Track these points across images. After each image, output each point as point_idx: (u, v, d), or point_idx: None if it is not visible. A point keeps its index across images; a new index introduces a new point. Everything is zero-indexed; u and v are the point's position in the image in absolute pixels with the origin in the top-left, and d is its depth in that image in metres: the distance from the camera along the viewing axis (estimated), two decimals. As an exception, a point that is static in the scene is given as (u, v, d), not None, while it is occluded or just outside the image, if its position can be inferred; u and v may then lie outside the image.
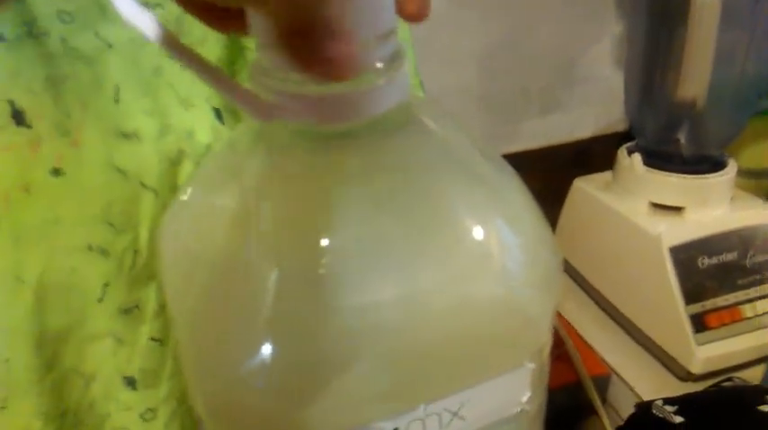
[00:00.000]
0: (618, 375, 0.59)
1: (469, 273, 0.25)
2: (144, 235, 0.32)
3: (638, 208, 0.60)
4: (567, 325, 0.64)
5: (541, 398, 0.32)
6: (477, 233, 0.25)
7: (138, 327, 0.34)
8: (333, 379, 0.23)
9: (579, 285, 0.70)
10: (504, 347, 0.26)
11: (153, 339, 0.34)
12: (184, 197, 0.29)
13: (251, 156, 0.26)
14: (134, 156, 0.31)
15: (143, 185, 0.32)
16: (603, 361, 0.60)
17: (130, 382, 0.34)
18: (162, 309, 0.34)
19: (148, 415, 0.35)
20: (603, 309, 0.66)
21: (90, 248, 0.31)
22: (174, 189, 0.33)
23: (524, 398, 0.27)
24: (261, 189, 0.25)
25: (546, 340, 0.28)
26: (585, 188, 0.66)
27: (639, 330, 0.60)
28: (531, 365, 0.27)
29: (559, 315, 0.65)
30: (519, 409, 0.28)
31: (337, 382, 0.23)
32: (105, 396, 0.34)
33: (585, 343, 0.62)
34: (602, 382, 0.59)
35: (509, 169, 0.29)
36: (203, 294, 0.24)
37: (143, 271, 0.33)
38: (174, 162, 0.33)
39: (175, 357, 0.36)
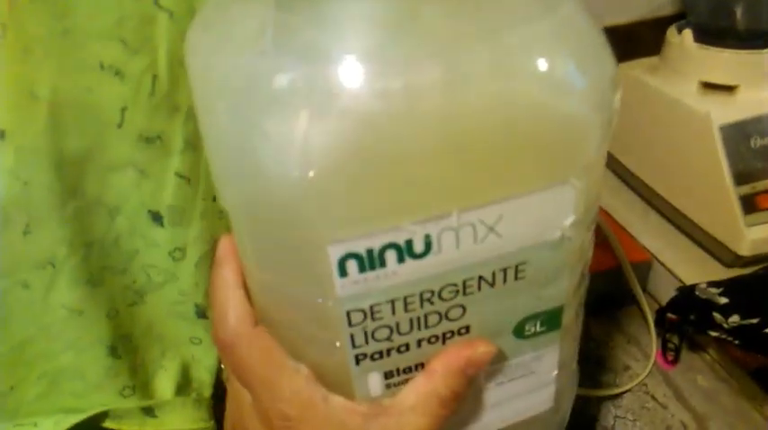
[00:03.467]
0: (659, 261, 0.57)
1: (514, 62, 0.22)
2: (163, 58, 0.31)
3: (687, 88, 0.57)
4: (606, 214, 0.62)
5: (579, 279, 0.30)
6: (526, 22, 0.23)
7: (163, 160, 0.33)
8: (363, 168, 0.21)
9: (618, 175, 0.68)
10: (546, 155, 0.24)
11: (179, 175, 0.33)
12: (210, 10, 0.27)
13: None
14: None
15: (157, 4, 0.30)
16: (644, 248, 0.58)
17: (157, 218, 0.34)
18: (188, 145, 0.33)
19: (177, 254, 0.35)
20: (644, 198, 0.64)
21: (102, 67, 0.30)
22: (191, 11, 0.31)
23: (567, 222, 0.26)
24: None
25: (594, 160, 0.26)
26: (631, 72, 0.63)
27: (684, 215, 0.57)
28: (577, 183, 0.25)
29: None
30: (560, 234, 0.26)
31: (368, 172, 0.21)
32: (131, 231, 0.33)
33: (625, 231, 0.60)
34: (643, 269, 0.57)
35: None
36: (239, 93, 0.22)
37: (165, 100, 0.32)
38: None
39: (206, 197, 0.34)
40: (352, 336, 0.25)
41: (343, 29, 0.22)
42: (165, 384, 0.35)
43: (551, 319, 0.28)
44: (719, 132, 0.52)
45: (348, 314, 0.24)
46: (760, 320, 0.46)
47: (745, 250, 0.52)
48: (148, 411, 0.34)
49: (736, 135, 0.53)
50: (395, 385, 0.27)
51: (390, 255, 0.23)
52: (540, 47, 0.23)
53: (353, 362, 0.26)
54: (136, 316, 0.34)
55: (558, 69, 0.23)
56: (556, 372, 0.31)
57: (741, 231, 0.51)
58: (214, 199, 0.35)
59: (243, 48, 0.23)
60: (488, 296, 0.26)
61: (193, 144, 0.33)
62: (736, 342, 0.46)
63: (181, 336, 0.36)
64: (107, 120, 0.31)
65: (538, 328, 0.28)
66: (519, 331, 0.28)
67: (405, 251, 0.23)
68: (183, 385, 0.36)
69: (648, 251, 0.58)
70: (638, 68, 0.63)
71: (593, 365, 0.53)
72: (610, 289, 0.56)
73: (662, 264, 0.57)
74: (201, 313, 0.36)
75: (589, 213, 0.28)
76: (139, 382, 0.34)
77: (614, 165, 0.68)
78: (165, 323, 0.35)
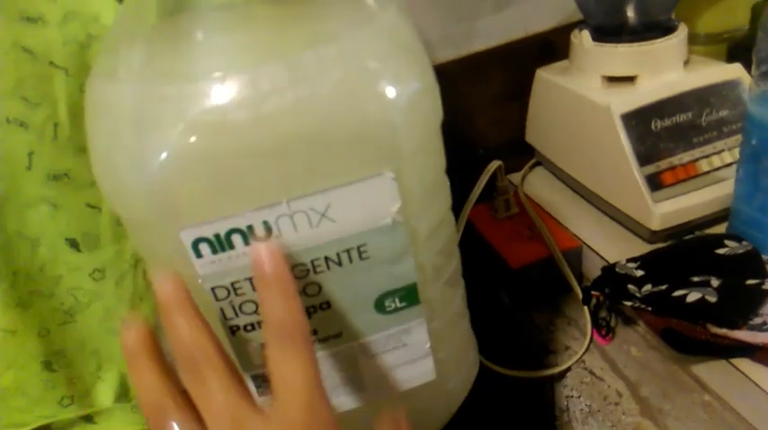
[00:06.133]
0: (588, 246, 0.61)
1: (322, 72, 0.27)
2: (62, 109, 0.37)
3: (591, 84, 0.61)
4: (538, 207, 0.66)
5: (435, 258, 0.34)
6: (334, 36, 0.28)
7: (73, 194, 0.38)
8: (198, 167, 0.27)
9: (548, 170, 0.73)
10: (356, 151, 0.29)
11: (90, 206, 0.39)
12: (101, 59, 0.32)
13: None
14: (40, 38, 0.36)
15: (52, 64, 0.36)
16: (575, 235, 0.62)
17: (74, 244, 0.39)
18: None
19: (97, 274, 0.40)
20: (571, 189, 0.68)
21: (8, 121, 0.36)
22: (86, 68, 0.37)
23: (394, 208, 0.30)
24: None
25: (409, 155, 0.30)
26: (546, 76, 0.68)
27: (603, 200, 0.62)
28: (391, 175, 0.29)
29: (531, 199, 0.67)
30: (391, 220, 0.30)
31: (204, 171, 0.27)
32: (54, 259, 0.39)
33: (557, 222, 0.64)
34: (575, 255, 0.61)
35: None
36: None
37: (68, 143, 0.38)
38: (83, 45, 0.37)
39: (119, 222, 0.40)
40: (222, 310, 0.30)
41: (176, 62, 0.27)
42: (104, 394, 0.40)
43: (409, 295, 0.33)
44: (620, 120, 0.57)
45: (213, 290, 0.29)
46: (668, 286, 0.49)
47: (655, 225, 0.56)
48: (89, 419, 0.39)
49: (637, 121, 0.57)
50: None
51: (236, 239, 0.28)
52: (347, 58, 0.28)
53: (230, 333, 0.31)
54: (68, 334, 0.39)
55: (363, 79, 0.28)
56: (428, 345, 0.35)
57: (649, 207, 0.55)
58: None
59: (108, 76, 0.29)
60: (339, 275, 0.31)
61: None
62: (649, 308, 0.50)
63: (114, 351, 0.41)
64: (18, 164, 0.37)
65: (398, 304, 0.33)
66: (380, 306, 0.32)
67: (248, 235, 0.28)
68: (122, 393, 0.41)
69: (578, 238, 0.62)
70: (551, 71, 0.68)
71: (537, 349, 0.57)
72: (547, 277, 0.60)
73: (591, 248, 0.61)
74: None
75: (425, 201, 0.32)
76: (78, 393, 0.39)
77: (543, 161, 0.73)
78: (98, 339, 0.40)
